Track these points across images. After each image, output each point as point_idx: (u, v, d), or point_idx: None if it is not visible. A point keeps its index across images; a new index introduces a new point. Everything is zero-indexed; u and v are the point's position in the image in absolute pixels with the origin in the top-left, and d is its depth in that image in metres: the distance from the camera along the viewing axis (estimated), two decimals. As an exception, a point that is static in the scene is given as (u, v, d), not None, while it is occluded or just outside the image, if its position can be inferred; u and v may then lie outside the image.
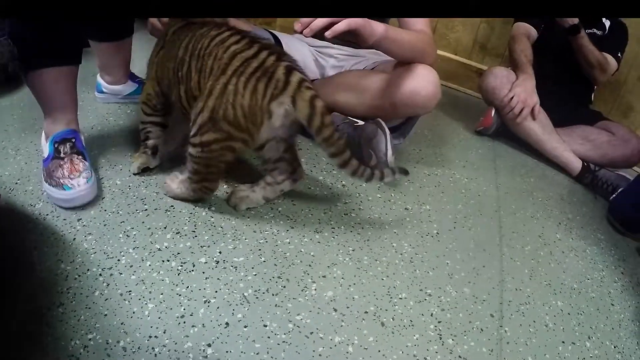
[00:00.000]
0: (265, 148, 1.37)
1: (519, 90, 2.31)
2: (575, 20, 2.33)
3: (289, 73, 1.23)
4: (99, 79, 1.86)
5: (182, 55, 1.32)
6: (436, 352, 1.18)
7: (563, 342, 1.34)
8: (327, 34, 1.42)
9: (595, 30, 2.47)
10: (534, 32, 2.53)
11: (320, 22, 1.39)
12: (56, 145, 1.37)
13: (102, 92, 1.87)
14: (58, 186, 1.30)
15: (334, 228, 1.47)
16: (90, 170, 1.36)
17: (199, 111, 1.25)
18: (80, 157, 1.37)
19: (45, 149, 1.39)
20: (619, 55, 2.50)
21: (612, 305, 1.56)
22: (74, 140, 1.39)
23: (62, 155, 1.35)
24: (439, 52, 3.04)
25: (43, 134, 1.44)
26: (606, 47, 2.43)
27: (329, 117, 1.24)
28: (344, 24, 1.42)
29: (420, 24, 1.78)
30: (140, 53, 1.78)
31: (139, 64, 1.82)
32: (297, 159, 1.47)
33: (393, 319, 1.23)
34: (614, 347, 1.39)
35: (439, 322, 1.27)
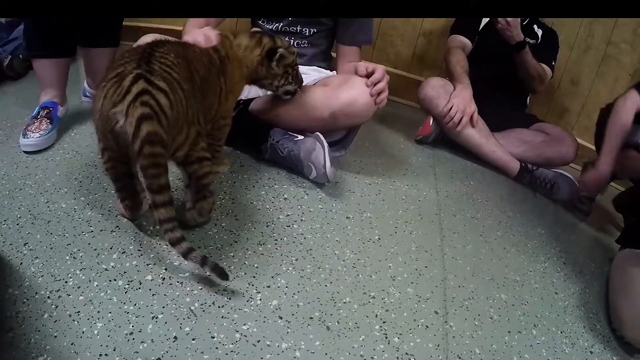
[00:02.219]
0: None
1: (457, 100, 2.40)
2: (521, 37, 2.43)
3: (135, 81, 1.15)
4: (85, 85, 2.17)
5: None
6: (383, 351, 1.22)
7: (509, 332, 1.41)
8: None
9: (528, 40, 2.56)
10: (468, 44, 2.63)
11: None
12: (39, 110, 1.83)
13: (87, 96, 2.17)
14: (23, 135, 1.72)
15: (276, 240, 1.51)
16: (50, 130, 1.77)
17: None
18: (48, 121, 1.79)
19: (35, 111, 1.84)
20: (553, 63, 2.62)
21: (556, 293, 1.64)
22: (51, 108, 1.85)
23: (38, 117, 1.80)
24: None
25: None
26: (541, 57, 2.55)
27: (153, 148, 1.14)
28: None
29: (353, 55, 1.99)
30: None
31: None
32: (200, 191, 1.41)
33: (338, 322, 1.27)
34: (561, 332, 1.47)
35: (384, 322, 1.31)
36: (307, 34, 2.01)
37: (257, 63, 1.66)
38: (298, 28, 2.00)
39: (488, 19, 2.60)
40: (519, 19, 2.40)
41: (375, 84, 1.78)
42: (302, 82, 1.79)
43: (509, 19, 2.36)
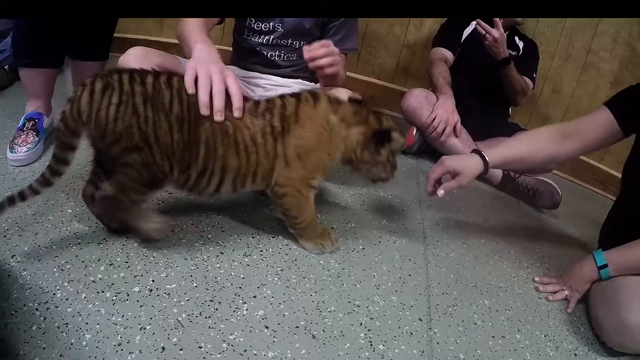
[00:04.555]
0: None
1: (440, 111, 2.43)
2: (507, 53, 2.47)
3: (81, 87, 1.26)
4: None
5: None
6: (368, 359, 1.24)
7: (493, 336, 1.44)
8: None
9: (510, 52, 2.61)
10: (450, 56, 2.68)
11: None
12: (25, 121, 1.84)
13: None
14: (11, 149, 1.73)
15: (262, 251, 1.53)
16: (37, 143, 1.79)
17: None
18: (34, 133, 1.80)
19: (21, 122, 1.85)
20: (534, 75, 2.67)
21: (539, 298, 1.68)
22: (37, 120, 1.86)
23: (24, 129, 1.81)
24: (364, 78, 3.16)
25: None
26: (522, 69, 2.59)
27: (59, 123, 1.27)
28: None
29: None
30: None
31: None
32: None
33: (324, 331, 1.29)
34: (545, 335, 1.50)
35: (369, 330, 1.33)
36: (296, 46, 2.02)
37: (358, 143, 1.49)
38: (289, 41, 2.01)
39: (470, 31, 2.65)
40: (505, 36, 2.44)
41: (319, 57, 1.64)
42: (396, 168, 1.60)
43: (496, 35, 2.39)
